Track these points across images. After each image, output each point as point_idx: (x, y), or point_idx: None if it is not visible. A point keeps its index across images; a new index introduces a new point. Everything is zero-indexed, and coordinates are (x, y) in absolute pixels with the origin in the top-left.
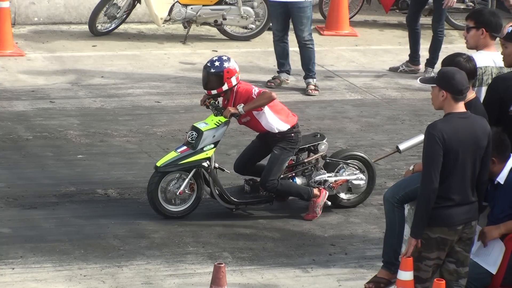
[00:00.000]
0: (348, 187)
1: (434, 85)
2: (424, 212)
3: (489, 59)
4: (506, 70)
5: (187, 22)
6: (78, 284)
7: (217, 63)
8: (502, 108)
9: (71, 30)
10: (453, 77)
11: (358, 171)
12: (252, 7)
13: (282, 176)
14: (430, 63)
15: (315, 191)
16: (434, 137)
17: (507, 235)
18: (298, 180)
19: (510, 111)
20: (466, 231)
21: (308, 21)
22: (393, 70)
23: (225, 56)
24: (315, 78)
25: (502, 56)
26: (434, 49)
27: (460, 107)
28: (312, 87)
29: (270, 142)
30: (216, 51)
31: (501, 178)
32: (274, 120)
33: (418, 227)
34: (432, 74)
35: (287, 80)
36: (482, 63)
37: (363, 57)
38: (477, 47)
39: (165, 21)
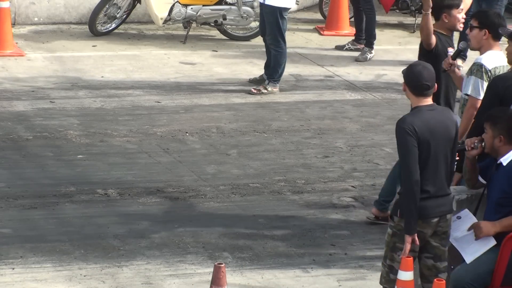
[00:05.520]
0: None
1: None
2: (412, 206)
3: (500, 58)
4: None
5: (187, 22)
6: (78, 284)
7: None
8: (503, 106)
9: (71, 30)
10: (411, 70)
11: None
12: (252, 7)
13: None
14: (368, 43)
15: None
16: (405, 129)
17: (506, 235)
18: None
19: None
20: (441, 225)
21: (271, 26)
22: (339, 48)
23: None
24: (273, 83)
25: (506, 53)
26: (368, 28)
27: (426, 101)
28: (260, 87)
29: None
30: (216, 51)
31: (505, 159)
32: None
33: (410, 222)
34: (369, 55)
35: (266, 84)
36: (493, 63)
37: None
38: (480, 48)
39: (165, 21)
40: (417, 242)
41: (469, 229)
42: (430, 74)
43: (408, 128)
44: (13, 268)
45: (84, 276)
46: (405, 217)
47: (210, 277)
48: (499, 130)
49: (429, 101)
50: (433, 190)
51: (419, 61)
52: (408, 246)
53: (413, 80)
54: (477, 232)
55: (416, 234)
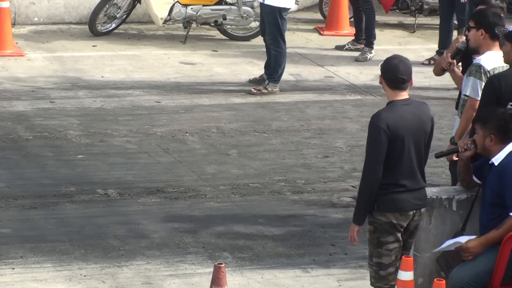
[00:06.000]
0: None
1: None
2: (366, 199)
3: (500, 59)
4: None
5: (187, 22)
6: (78, 284)
7: None
8: (500, 105)
9: (71, 30)
10: (388, 63)
11: None
12: (252, 7)
13: None
14: (368, 43)
15: None
16: (379, 128)
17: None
18: None
19: (508, 109)
20: (415, 219)
21: (271, 26)
22: (339, 48)
23: None
24: (273, 83)
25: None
26: (367, 28)
27: (401, 95)
28: (260, 87)
29: None
30: (216, 51)
31: (496, 159)
32: None
33: (360, 213)
34: (369, 55)
35: (266, 84)
36: (492, 64)
37: None
38: (479, 48)
39: (165, 21)
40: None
41: (456, 249)
42: (406, 68)
43: (382, 126)
44: (13, 268)
45: (84, 276)
46: (357, 208)
47: (210, 277)
48: (489, 129)
49: (405, 95)
50: (409, 184)
51: (397, 54)
52: (352, 233)
53: (389, 73)
54: (466, 254)
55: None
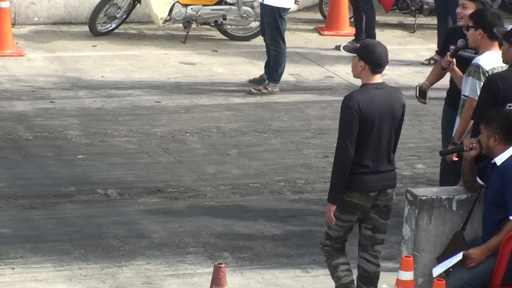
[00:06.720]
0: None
1: (355, 54)
2: (341, 178)
3: (499, 59)
4: None
5: (187, 22)
6: (78, 284)
7: None
8: (498, 106)
9: (71, 30)
10: (374, 50)
11: None
12: (252, 7)
13: None
14: None
15: None
16: (351, 108)
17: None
18: None
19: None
20: (381, 198)
21: (270, 26)
22: (339, 48)
23: None
24: (273, 83)
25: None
26: (368, 28)
27: (377, 79)
28: (260, 87)
29: None
30: (216, 51)
31: (499, 159)
32: None
33: (335, 193)
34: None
35: (266, 84)
36: (491, 64)
37: None
38: (479, 47)
39: (165, 21)
40: (335, 211)
41: (459, 261)
42: (387, 51)
43: (353, 106)
44: (13, 268)
45: (84, 276)
46: (332, 187)
47: (210, 277)
48: (494, 129)
49: (379, 78)
50: (372, 166)
51: (372, 40)
52: (329, 214)
53: (376, 59)
54: (468, 261)
55: (336, 206)
